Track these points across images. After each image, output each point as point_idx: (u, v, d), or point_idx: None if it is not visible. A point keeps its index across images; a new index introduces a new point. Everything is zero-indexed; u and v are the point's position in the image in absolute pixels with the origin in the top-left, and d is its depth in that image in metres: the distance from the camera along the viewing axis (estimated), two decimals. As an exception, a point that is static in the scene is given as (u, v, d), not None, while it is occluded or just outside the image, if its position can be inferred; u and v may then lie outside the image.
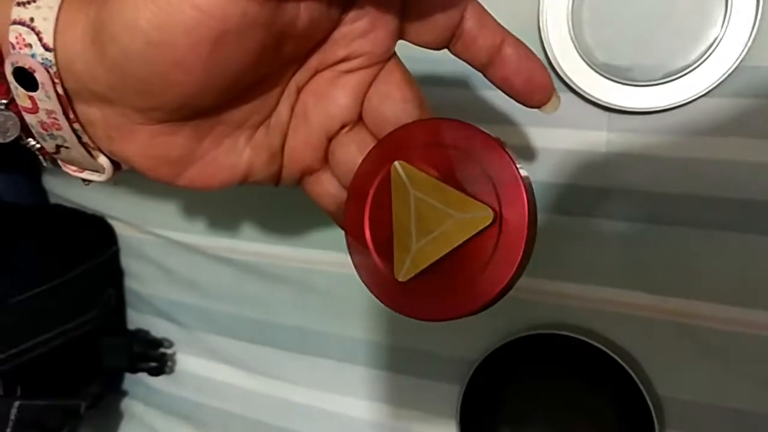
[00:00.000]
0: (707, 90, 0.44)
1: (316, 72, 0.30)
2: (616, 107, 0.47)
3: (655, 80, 0.45)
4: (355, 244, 0.29)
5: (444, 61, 0.32)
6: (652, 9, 0.46)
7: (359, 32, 0.28)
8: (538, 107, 0.30)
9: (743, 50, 0.43)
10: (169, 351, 0.71)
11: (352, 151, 0.31)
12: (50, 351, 0.63)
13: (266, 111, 0.30)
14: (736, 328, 0.47)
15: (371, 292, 0.29)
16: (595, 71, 0.47)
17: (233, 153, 0.30)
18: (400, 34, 0.29)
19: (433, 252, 0.27)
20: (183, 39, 0.23)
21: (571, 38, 0.47)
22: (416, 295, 0.27)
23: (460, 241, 0.26)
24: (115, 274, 0.73)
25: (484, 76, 0.30)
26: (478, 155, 0.27)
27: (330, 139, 0.31)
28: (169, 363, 0.71)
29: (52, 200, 0.74)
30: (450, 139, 0.27)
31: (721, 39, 0.44)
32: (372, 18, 0.28)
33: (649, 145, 0.47)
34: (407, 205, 0.28)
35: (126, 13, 0.23)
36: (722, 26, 0.44)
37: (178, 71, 0.24)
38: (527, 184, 0.26)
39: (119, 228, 0.73)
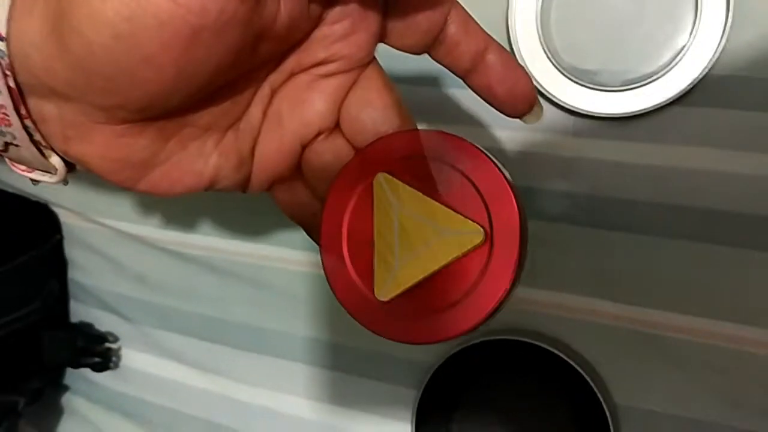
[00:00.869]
0: (674, 98, 0.44)
1: (292, 75, 0.29)
2: (583, 112, 0.46)
3: (622, 86, 0.45)
4: (330, 260, 0.27)
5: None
6: (621, 14, 0.45)
7: (340, 34, 0.27)
8: (520, 117, 0.29)
9: (711, 59, 0.43)
10: (113, 346, 0.69)
11: (328, 160, 0.29)
12: (-13, 345, 0.61)
13: (237, 114, 0.29)
14: (697, 338, 0.47)
15: (348, 312, 0.27)
16: (563, 74, 0.46)
17: (200, 157, 0.28)
18: (381, 37, 0.28)
19: (417, 271, 0.25)
20: (155, 33, 0.21)
21: (540, 40, 0.46)
22: (398, 317, 0.26)
23: (448, 260, 0.25)
24: (59, 265, 0.71)
25: (466, 83, 0.29)
26: (466, 169, 0.25)
27: (304, 146, 0.30)
28: (114, 358, 0.69)
29: (-8, 185, 0.71)
30: (435, 151, 0.26)
31: (689, 47, 0.43)
32: (353, 20, 0.27)
33: (615, 151, 0.46)
34: (390, 220, 0.26)
35: (91, 2, 0.21)
36: (691, 34, 0.43)
37: (148, 69, 0.22)
38: (519, 200, 0.25)
39: (64, 216, 0.70)
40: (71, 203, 0.68)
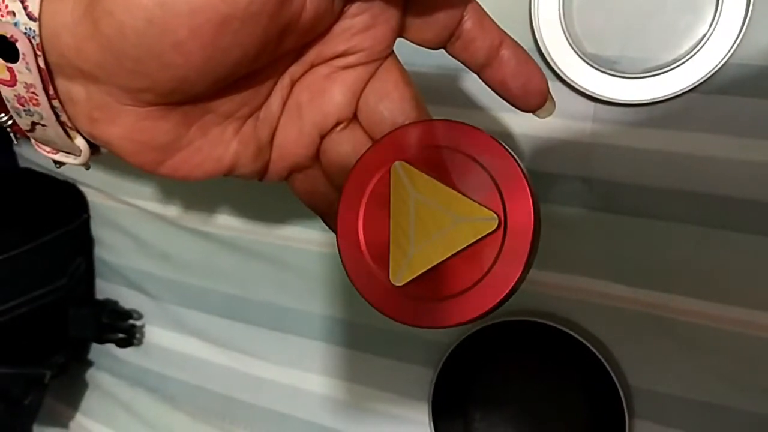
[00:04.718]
0: (693, 85, 0.44)
1: (312, 66, 0.29)
2: (603, 98, 0.47)
3: (643, 73, 0.46)
4: (347, 246, 0.28)
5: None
6: (642, 2, 0.46)
7: (361, 27, 0.28)
8: (533, 111, 0.30)
9: (731, 48, 0.43)
10: (138, 323, 0.71)
11: (346, 150, 0.30)
12: (16, 318, 0.62)
13: (257, 103, 0.29)
14: (710, 322, 0.47)
15: (363, 296, 0.27)
16: (584, 61, 0.47)
17: (220, 144, 0.29)
18: (400, 32, 0.29)
19: (432, 256, 0.26)
20: (186, 20, 0.22)
21: (562, 27, 0.47)
22: (412, 301, 0.26)
23: (462, 246, 0.26)
24: (86, 243, 0.72)
25: (480, 78, 0.29)
26: (481, 158, 0.26)
27: (322, 136, 0.30)
28: (138, 335, 0.71)
29: (22, 164, 0.73)
30: (451, 140, 0.27)
31: (710, 36, 0.44)
32: (374, 13, 0.27)
33: (634, 137, 0.47)
34: (407, 207, 0.27)
35: None
36: (712, 23, 0.44)
37: (176, 54, 0.23)
38: (532, 188, 0.25)
39: (91, 195, 0.72)
40: (99, 183, 0.69)
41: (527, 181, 0.25)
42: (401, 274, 0.26)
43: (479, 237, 0.25)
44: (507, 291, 0.25)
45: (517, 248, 0.25)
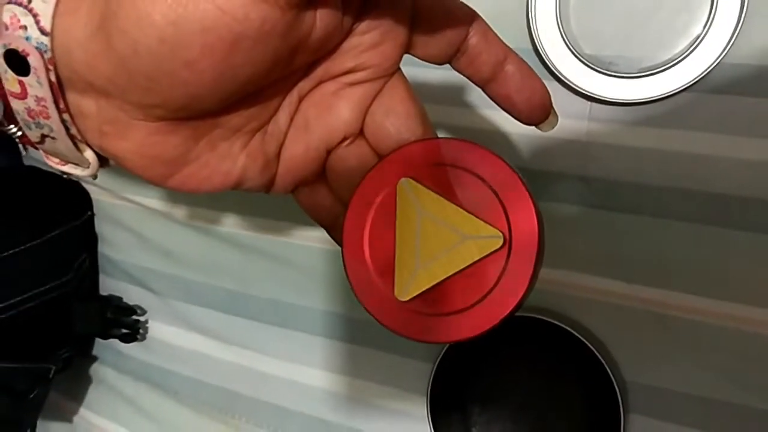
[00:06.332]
0: (688, 85, 0.45)
1: (320, 82, 0.30)
2: (599, 97, 0.47)
3: (638, 72, 0.46)
4: (352, 260, 0.28)
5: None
6: (638, 3, 0.47)
7: (369, 44, 0.28)
8: (536, 125, 0.30)
9: (725, 48, 0.44)
10: (141, 318, 0.72)
11: (352, 165, 0.30)
12: (22, 314, 0.63)
13: (265, 117, 0.29)
14: (704, 318, 0.48)
15: (368, 311, 0.28)
16: (580, 61, 0.47)
17: (228, 158, 0.29)
18: (407, 48, 0.29)
19: (437, 272, 0.26)
20: (198, 39, 0.22)
21: (558, 27, 0.47)
22: (417, 316, 0.27)
23: (467, 264, 0.26)
24: (90, 240, 0.73)
25: (485, 92, 0.30)
26: (486, 176, 0.26)
27: (329, 151, 0.31)
28: (141, 330, 0.72)
29: (27, 162, 0.73)
30: (457, 158, 0.27)
31: (704, 36, 0.44)
32: (382, 31, 0.28)
33: (629, 136, 0.48)
34: (413, 223, 0.27)
35: (139, 5, 0.22)
36: (706, 24, 0.44)
37: (188, 71, 0.23)
38: (537, 206, 0.26)
39: (95, 193, 0.72)
40: (102, 181, 0.70)
41: (532, 199, 0.26)
42: (406, 290, 0.27)
43: (484, 254, 0.26)
44: (510, 309, 0.25)
45: (521, 266, 0.25)
